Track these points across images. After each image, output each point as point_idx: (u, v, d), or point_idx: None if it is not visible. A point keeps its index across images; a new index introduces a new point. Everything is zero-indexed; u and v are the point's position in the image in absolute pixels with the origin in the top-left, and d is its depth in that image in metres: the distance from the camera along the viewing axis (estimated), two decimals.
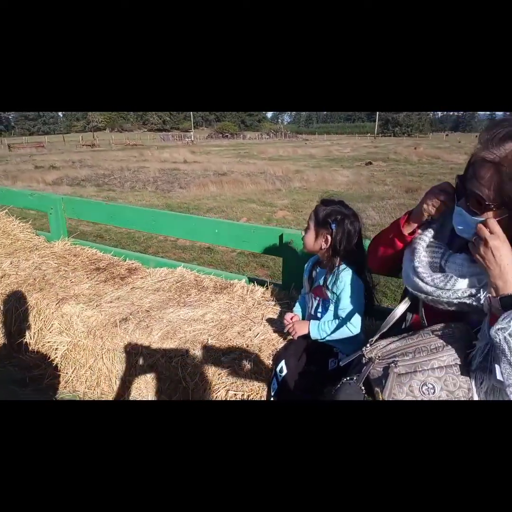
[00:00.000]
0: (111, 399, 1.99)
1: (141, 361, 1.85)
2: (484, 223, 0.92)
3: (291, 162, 18.35)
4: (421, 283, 1.10)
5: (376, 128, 72.30)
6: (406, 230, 1.20)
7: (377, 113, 74.13)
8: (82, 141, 41.24)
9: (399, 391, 1.03)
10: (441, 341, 1.05)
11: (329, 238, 1.58)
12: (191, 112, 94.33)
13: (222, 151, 27.44)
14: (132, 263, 2.75)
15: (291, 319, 1.73)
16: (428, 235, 1.16)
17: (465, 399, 0.98)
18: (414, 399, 1.01)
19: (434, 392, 1.00)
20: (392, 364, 1.07)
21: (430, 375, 1.01)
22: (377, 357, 1.14)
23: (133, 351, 1.88)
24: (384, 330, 1.21)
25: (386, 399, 1.03)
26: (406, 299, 1.23)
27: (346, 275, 1.58)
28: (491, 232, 0.91)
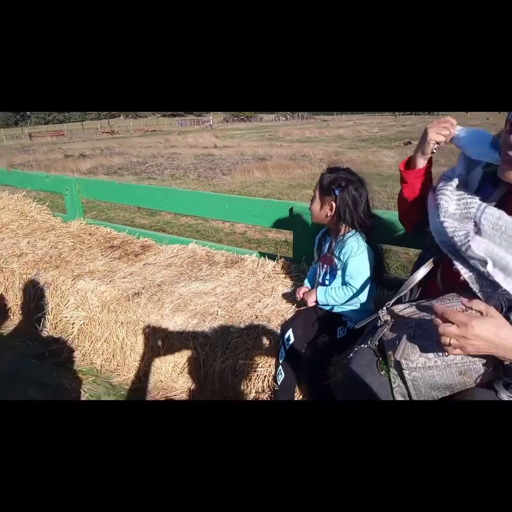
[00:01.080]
0: (125, 373, 2.04)
1: (153, 333, 1.89)
2: (440, 316, 0.85)
3: (324, 144, 17.69)
4: (448, 236, 1.05)
5: None
6: (411, 166, 1.19)
7: None
8: (100, 128, 41.43)
9: (411, 351, 0.99)
10: (460, 306, 0.97)
11: (334, 204, 1.57)
12: None
13: (245, 135, 26.86)
14: (146, 241, 2.79)
15: (303, 294, 1.74)
16: (452, 186, 1.11)
17: (480, 363, 0.94)
18: (427, 360, 0.98)
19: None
20: (408, 324, 1.06)
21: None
22: (392, 320, 1.12)
23: (145, 324, 1.92)
24: (403, 293, 1.18)
25: (399, 360, 1.00)
26: (428, 262, 1.18)
27: (352, 241, 1.57)
28: (454, 323, 0.83)
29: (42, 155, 16.84)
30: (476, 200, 1.04)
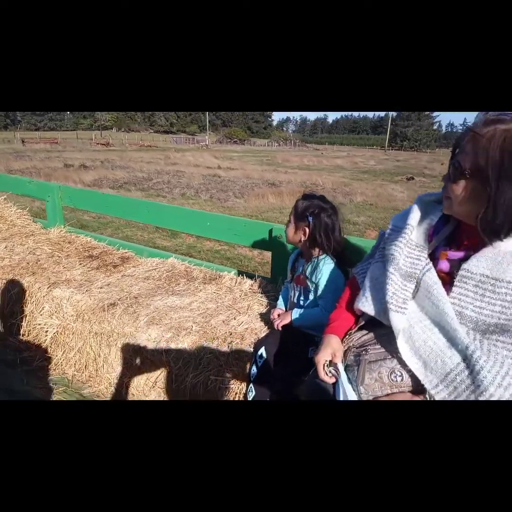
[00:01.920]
0: (97, 384, 2.03)
1: (126, 345, 1.90)
2: None
3: (326, 173, 17.69)
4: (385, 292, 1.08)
5: (386, 141, 72.12)
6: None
7: (389, 126, 73.97)
8: (95, 139, 41.13)
9: (368, 377, 1.06)
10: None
11: (307, 230, 1.66)
12: (201, 115, 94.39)
13: (243, 157, 26.82)
14: (126, 253, 2.80)
15: (278, 315, 1.78)
16: (404, 238, 1.10)
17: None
18: (382, 385, 1.04)
19: (402, 379, 1.02)
20: (363, 352, 1.11)
21: (398, 363, 1.03)
22: (353, 347, 1.18)
23: (119, 335, 1.93)
24: (362, 323, 1.24)
25: (358, 386, 1.06)
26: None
27: (324, 264, 1.64)
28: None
29: (40, 162, 16.44)
30: (422, 259, 1.05)
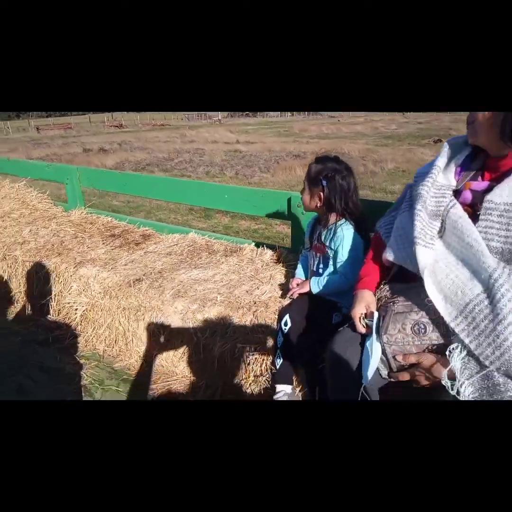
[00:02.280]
0: (127, 358, 2.09)
1: (154, 319, 1.95)
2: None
3: (349, 141, 17.02)
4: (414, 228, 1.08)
5: None
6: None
7: None
8: (107, 121, 40.98)
9: (392, 327, 1.07)
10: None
11: (322, 195, 1.62)
12: None
13: (259, 130, 26.23)
14: (146, 230, 2.84)
15: (297, 285, 1.78)
16: (432, 178, 1.11)
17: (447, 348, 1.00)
18: (405, 336, 1.06)
19: (425, 332, 1.03)
20: (391, 303, 1.13)
21: (424, 316, 1.05)
22: (383, 297, 1.19)
23: (146, 309, 1.98)
24: (391, 275, 1.25)
25: (382, 335, 1.08)
26: None
27: (342, 230, 1.62)
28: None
29: (59, 149, 16.37)
30: (447, 196, 1.07)
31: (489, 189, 0.97)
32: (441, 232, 1.06)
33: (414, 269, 1.06)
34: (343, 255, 1.62)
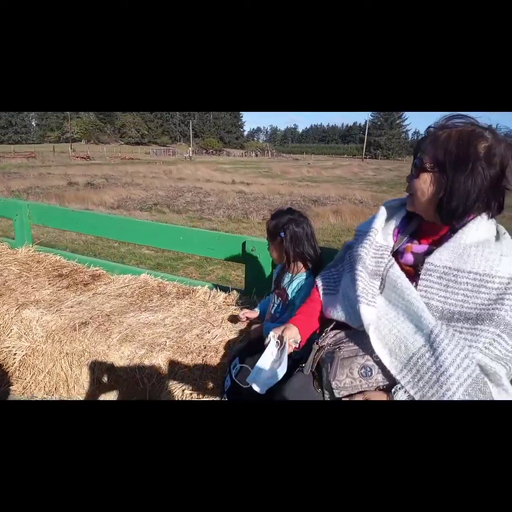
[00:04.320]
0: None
1: (99, 364, 1.86)
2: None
3: (342, 185, 17.32)
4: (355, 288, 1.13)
5: (363, 150, 73.63)
6: None
7: (366, 135, 75.55)
8: (72, 153, 39.96)
9: (340, 373, 1.10)
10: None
11: (282, 246, 1.67)
12: (172, 126, 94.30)
13: (238, 169, 25.98)
14: (96, 270, 2.76)
15: (246, 317, 1.85)
16: (370, 240, 1.18)
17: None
18: (353, 380, 1.08)
19: (371, 374, 1.07)
20: (337, 349, 1.15)
21: (370, 359, 1.08)
22: (328, 345, 1.20)
23: (91, 354, 1.89)
24: (333, 323, 1.27)
25: (330, 381, 1.10)
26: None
27: (302, 279, 1.66)
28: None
29: (38, 181, 15.04)
30: (386, 257, 1.13)
31: (429, 252, 1.04)
32: (381, 290, 1.12)
33: (358, 326, 1.11)
34: (298, 304, 1.65)
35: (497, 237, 1.01)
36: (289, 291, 1.70)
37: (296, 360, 1.43)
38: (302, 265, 1.71)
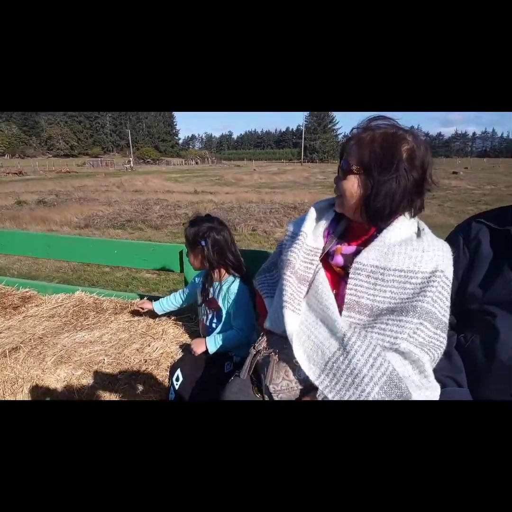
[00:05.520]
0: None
1: (34, 389, 1.78)
2: None
3: (303, 189, 17.22)
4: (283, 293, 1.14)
5: (302, 155, 74.96)
6: None
7: (302, 140, 77.06)
8: (5, 168, 36.42)
9: (276, 376, 1.12)
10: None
11: (203, 253, 1.68)
12: (103, 137, 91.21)
13: (190, 179, 25.18)
14: (26, 292, 2.63)
15: (141, 307, 2.11)
16: (299, 244, 1.18)
17: None
18: (289, 382, 1.10)
19: (306, 376, 1.07)
20: (272, 353, 1.17)
21: None
22: (264, 349, 1.22)
23: (25, 381, 1.80)
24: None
25: (267, 385, 1.11)
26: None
27: (232, 287, 1.69)
28: None
29: None
30: (315, 262, 1.16)
31: (357, 252, 1.08)
32: (305, 294, 1.14)
33: (281, 331, 1.12)
34: (236, 310, 1.68)
35: (418, 233, 1.07)
36: (219, 300, 1.73)
37: (241, 364, 1.45)
38: (224, 271, 1.73)
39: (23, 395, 1.81)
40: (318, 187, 19.88)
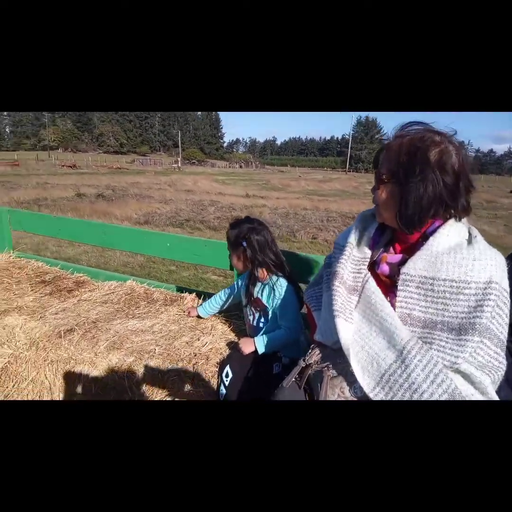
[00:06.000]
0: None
1: (85, 372, 1.82)
2: None
3: (354, 198, 17.11)
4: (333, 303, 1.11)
5: (347, 164, 74.59)
6: None
7: (349, 148, 76.58)
8: (60, 161, 38.92)
9: (331, 393, 1.08)
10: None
11: (246, 255, 1.70)
12: (151, 136, 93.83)
13: (236, 181, 25.43)
14: (80, 276, 2.71)
15: (189, 312, 2.13)
16: (347, 254, 1.16)
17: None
18: (345, 399, 1.06)
19: (362, 392, 1.03)
20: (325, 368, 1.13)
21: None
22: (315, 363, 1.19)
23: (77, 362, 1.84)
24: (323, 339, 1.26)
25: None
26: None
27: (278, 286, 1.69)
28: None
29: (43, 191, 13.91)
30: (363, 272, 1.12)
31: (403, 261, 1.03)
32: (356, 304, 1.11)
33: (332, 342, 1.10)
34: (283, 309, 1.67)
35: (469, 240, 1.00)
36: (264, 299, 1.73)
37: (290, 366, 1.44)
38: (267, 271, 1.73)
39: (75, 377, 1.85)
40: (369, 197, 19.61)
